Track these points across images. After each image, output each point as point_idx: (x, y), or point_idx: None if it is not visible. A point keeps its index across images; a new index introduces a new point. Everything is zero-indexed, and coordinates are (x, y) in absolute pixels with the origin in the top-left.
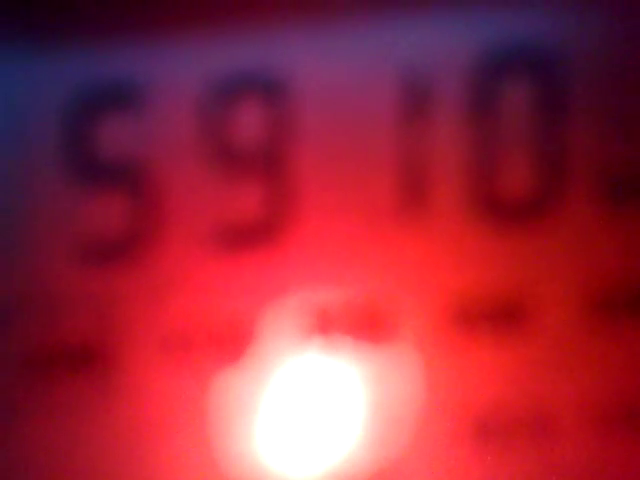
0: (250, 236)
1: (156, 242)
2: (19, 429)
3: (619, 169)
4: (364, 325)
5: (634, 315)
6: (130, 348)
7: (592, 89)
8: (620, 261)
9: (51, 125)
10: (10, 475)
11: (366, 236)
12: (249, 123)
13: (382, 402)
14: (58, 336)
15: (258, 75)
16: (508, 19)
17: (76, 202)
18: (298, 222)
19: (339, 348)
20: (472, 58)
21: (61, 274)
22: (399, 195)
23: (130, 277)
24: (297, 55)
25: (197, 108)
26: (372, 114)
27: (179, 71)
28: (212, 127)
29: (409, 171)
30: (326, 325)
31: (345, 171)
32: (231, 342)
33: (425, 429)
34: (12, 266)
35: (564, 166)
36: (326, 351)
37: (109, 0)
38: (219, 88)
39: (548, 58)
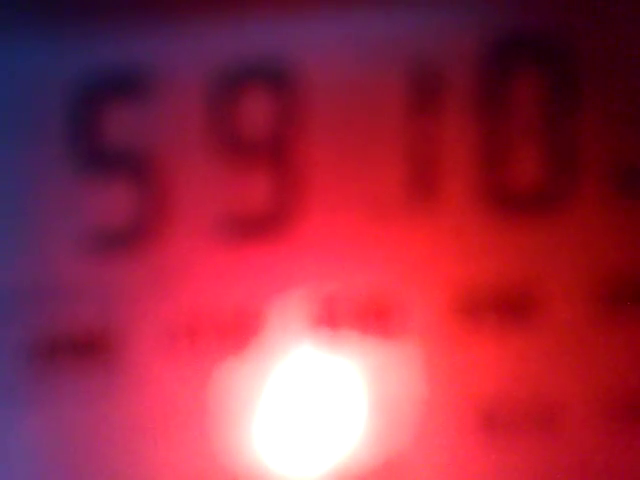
0: (257, 226)
1: (162, 232)
2: (23, 418)
3: (631, 162)
4: (371, 317)
5: None
6: (135, 338)
7: (604, 80)
8: (629, 254)
9: (56, 113)
10: (14, 464)
11: (374, 227)
12: (257, 113)
13: (388, 394)
14: (62, 325)
15: (267, 64)
16: (518, 8)
17: (81, 191)
18: (306, 213)
19: (346, 340)
20: (482, 49)
21: (66, 263)
22: (408, 187)
23: (136, 267)
24: (306, 45)
25: (205, 97)
26: (381, 105)
27: (187, 59)
28: (220, 116)
29: (418, 163)
30: (332, 316)
31: (353, 162)
32: (237, 333)
33: (431, 421)
34: (16, 255)
35: (574, 158)
36: (332, 342)
37: None
38: (227, 77)
39: (559, 48)
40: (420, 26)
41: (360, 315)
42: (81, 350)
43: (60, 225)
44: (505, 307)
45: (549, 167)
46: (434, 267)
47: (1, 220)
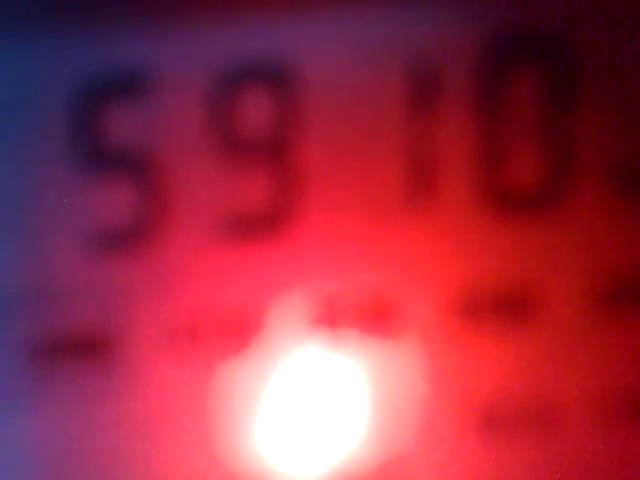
0: (257, 226)
1: (163, 232)
2: (24, 418)
3: (629, 161)
4: (371, 316)
5: None
6: (136, 337)
7: (603, 79)
8: (628, 254)
9: (58, 113)
10: (15, 464)
11: (373, 227)
12: (257, 113)
13: (388, 394)
14: (63, 325)
15: (267, 64)
16: (517, 7)
17: (82, 191)
18: (305, 213)
19: (346, 340)
20: (480, 48)
21: (67, 263)
22: (407, 186)
23: (136, 267)
24: (305, 45)
25: (205, 97)
26: (380, 104)
27: (187, 60)
28: (220, 116)
29: (417, 162)
30: (333, 316)
31: (352, 162)
32: (237, 333)
33: (430, 421)
34: (18, 255)
35: (573, 158)
36: (332, 343)
37: None
38: (227, 77)
39: (558, 48)
40: (418, 26)
41: (360, 315)
42: (82, 350)
43: (61, 225)
44: (504, 307)
45: (548, 166)
46: (433, 267)
47: (2, 220)
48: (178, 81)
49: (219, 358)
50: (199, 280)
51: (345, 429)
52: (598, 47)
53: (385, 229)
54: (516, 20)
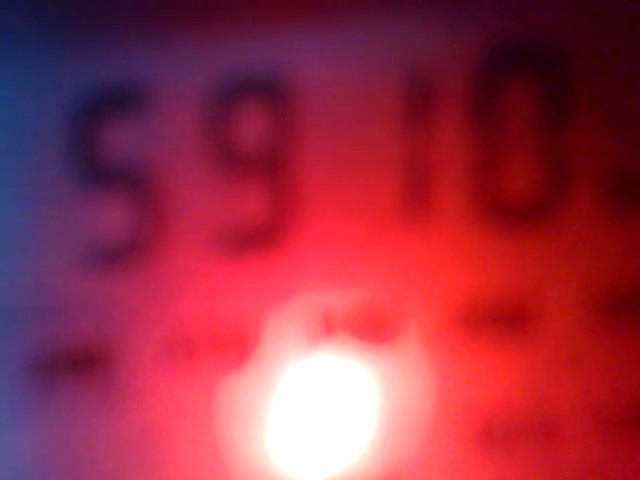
0: (254, 239)
1: (160, 246)
2: (22, 433)
3: (626, 171)
4: (369, 328)
5: None
6: (134, 352)
7: (598, 89)
8: (627, 264)
9: (55, 128)
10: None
11: (371, 238)
12: (253, 126)
13: (387, 405)
14: (61, 341)
15: (262, 78)
16: (512, 17)
17: (80, 206)
18: (302, 225)
19: (344, 352)
20: (476, 58)
21: (65, 278)
22: (404, 197)
23: (134, 281)
24: (301, 58)
25: (201, 111)
26: (376, 116)
27: (183, 74)
28: (216, 130)
29: (414, 173)
30: (331, 329)
31: (349, 173)
32: (236, 346)
33: (430, 433)
34: (15, 269)
35: (570, 168)
36: (331, 355)
37: (112, 2)
38: (223, 91)
39: (553, 58)
40: (413, 37)
41: (359, 326)
42: (80, 365)
43: (58, 240)
44: (502, 318)
45: (544, 177)
46: (431, 278)
47: (0, 235)
48: (175, 96)
49: (217, 372)
50: (197, 294)
51: (345, 441)
52: (593, 58)
53: (382, 241)
54: (512, 31)
